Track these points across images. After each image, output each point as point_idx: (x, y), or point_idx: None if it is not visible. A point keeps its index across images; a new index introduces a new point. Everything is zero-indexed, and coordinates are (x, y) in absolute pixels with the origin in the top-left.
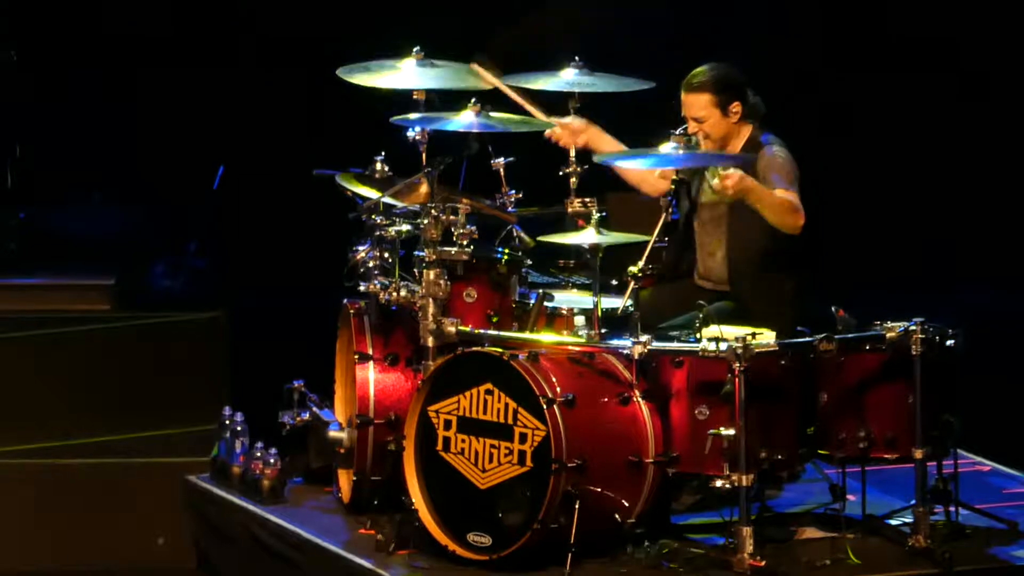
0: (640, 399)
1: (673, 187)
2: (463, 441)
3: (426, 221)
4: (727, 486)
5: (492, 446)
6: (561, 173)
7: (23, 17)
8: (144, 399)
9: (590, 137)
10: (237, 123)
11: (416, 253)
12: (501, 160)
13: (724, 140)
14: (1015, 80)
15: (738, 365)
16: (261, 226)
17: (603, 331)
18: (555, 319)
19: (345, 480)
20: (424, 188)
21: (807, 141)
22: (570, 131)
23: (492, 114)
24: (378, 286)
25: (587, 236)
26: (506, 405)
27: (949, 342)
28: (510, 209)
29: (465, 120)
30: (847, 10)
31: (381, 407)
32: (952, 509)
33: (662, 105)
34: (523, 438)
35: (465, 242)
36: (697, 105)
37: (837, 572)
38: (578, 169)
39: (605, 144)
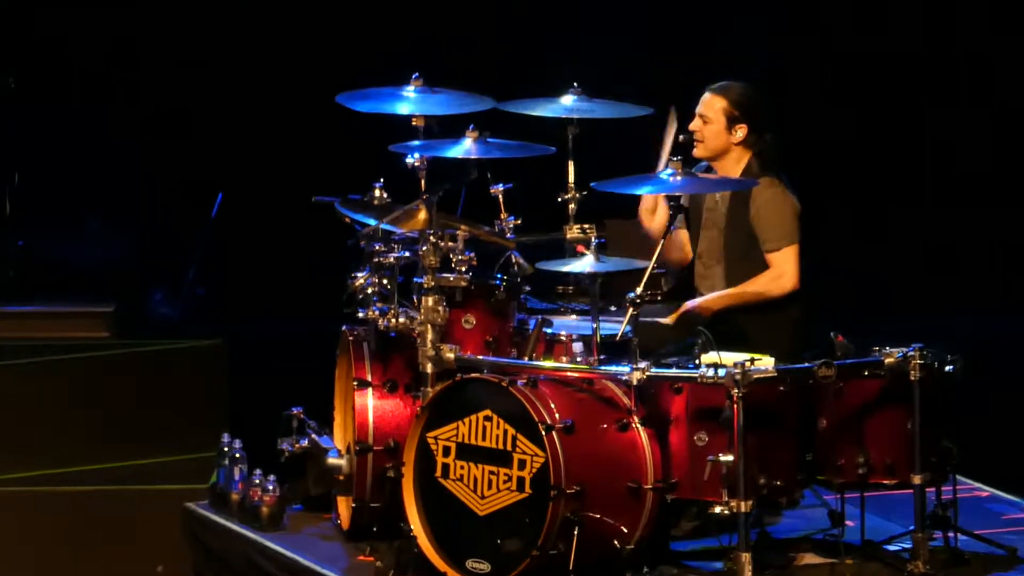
0: (639, 425)
1: (671, 213)
2: (462, 467)
3: (425, 247)
4: (726, 512)
5: (491, 472)
6: (560, 199)
7: (22, 43)
8: (142, 426)
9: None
10: (236, 150)
11: (415, 280)
12: (500, 186)
13: (717, 153)
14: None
15: (737, 391)
16: (260, 253)
17: (602, 357)
18: (554, 345)
19: (344, 507)
20: (423, 214)
21: (808, 162)
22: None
23: (491, 140)
24: (377, 312)
25: (586, 262)
26: (505, 431)
27: (948, 367)
28: (509, 235)
29: (464, 146)
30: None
31: (380, 434)
32: (951, 535)
33: (660, 131)
34: (522, 464)
35: (464, 268)
36: (711, 106)
37: None
38: (577, 195)
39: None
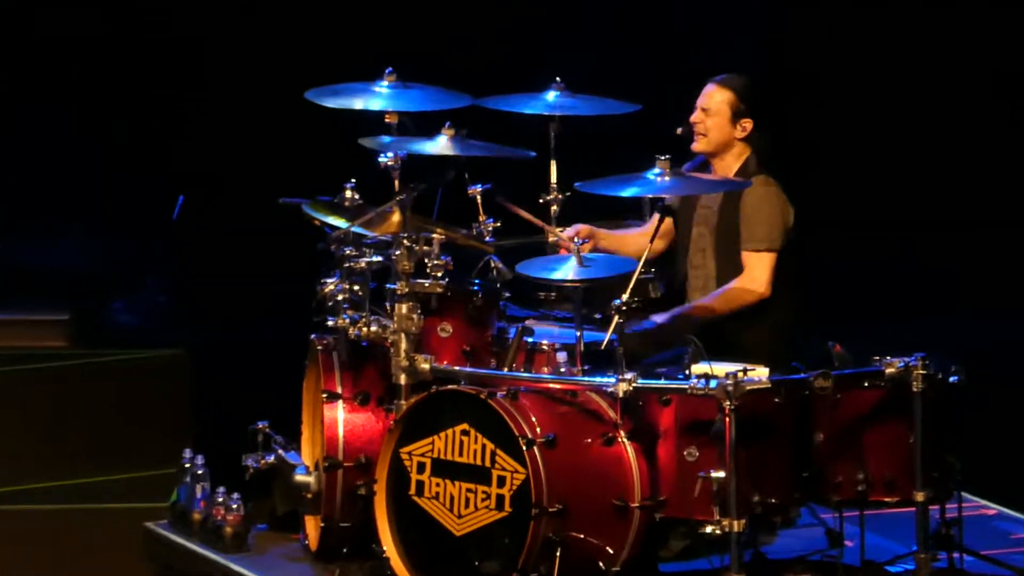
0: (625, 439)
1: (659, 218)
2: (438, 485)
3: (398, 252)
4: (718, 532)
5: (468, 490)
6: (541, 201)
7: None
8: (100, 441)
9: (596, 241)
10: (198, 149)
11: (388, 286)
12: (478, 187)
13: (719, 148)
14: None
15: (728, 403)
16: (224, 258)
17: (586, 367)
18: (535, 355)
19: (313, 527)
20: (396, 217)
21: (802, 164)
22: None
23: (468, 139)
24: (348, 320)
25: (569, 268)
26: (483, 446)
27: (952, 378)
28: (487, 239)
29: (440, 145)
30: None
31: (351, 449)
32: (956, 555)
33: (648, 129)
34: (501, 481)
35: (439, 274)
36: (714, 98)
37: None
38: (559, 197)
39: (610, 242)
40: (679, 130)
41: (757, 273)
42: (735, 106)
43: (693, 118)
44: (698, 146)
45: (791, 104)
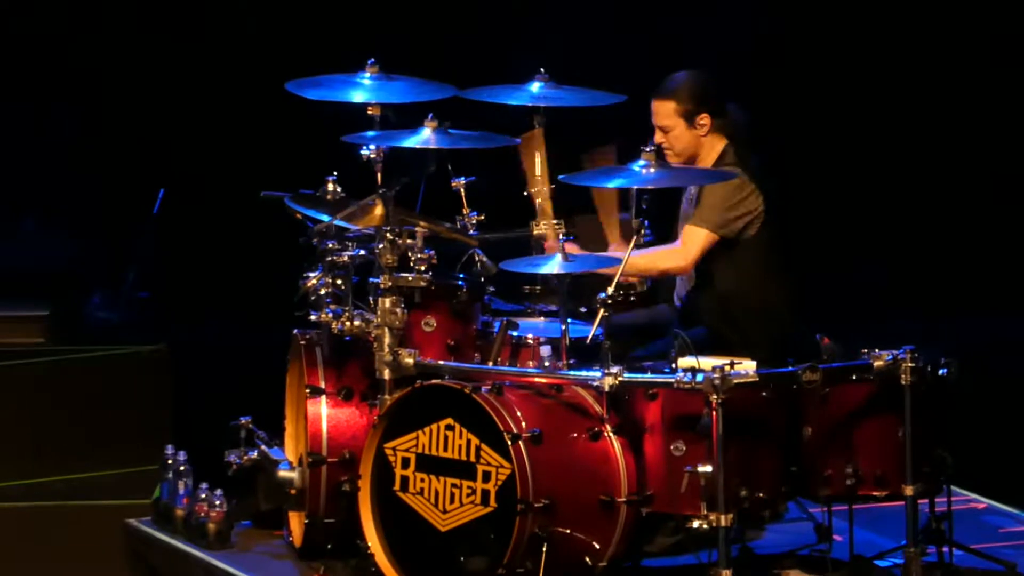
0: (612, 434)
1: (645, 207)
2: (422, 480)
3: (381, 246)
4: (705, 527)
5: (453, 485)
6: (526, 193)
7: None
8: (80, 438)
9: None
10: (179, 142)
11: (371, 280)
12: (462, 180)
13: (691, 153)
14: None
15: (716, 397)
16: (205, 252)
17: (571, 361)
18: (520, 349)
19: (296, 523)
20: (379, 210)
21: (796, 151)
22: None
23: (452, 131)
24: (330, 315)
25: (554, 261)
26: (468, 441)
27: (941, 371)
28: (471, 232)
29: (423, 137)
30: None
31: (335, 444)
32: (946, 550)
33: (635, 120)
34: (486, 477)
35: (423, 268)
36: (663, 113)
37: None
38: (544, 189)
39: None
40: (650, 148)
41: (688, 246)
42: (682, 110)
43: (656, 139)
44: (671, 161)
45: (788, 89)
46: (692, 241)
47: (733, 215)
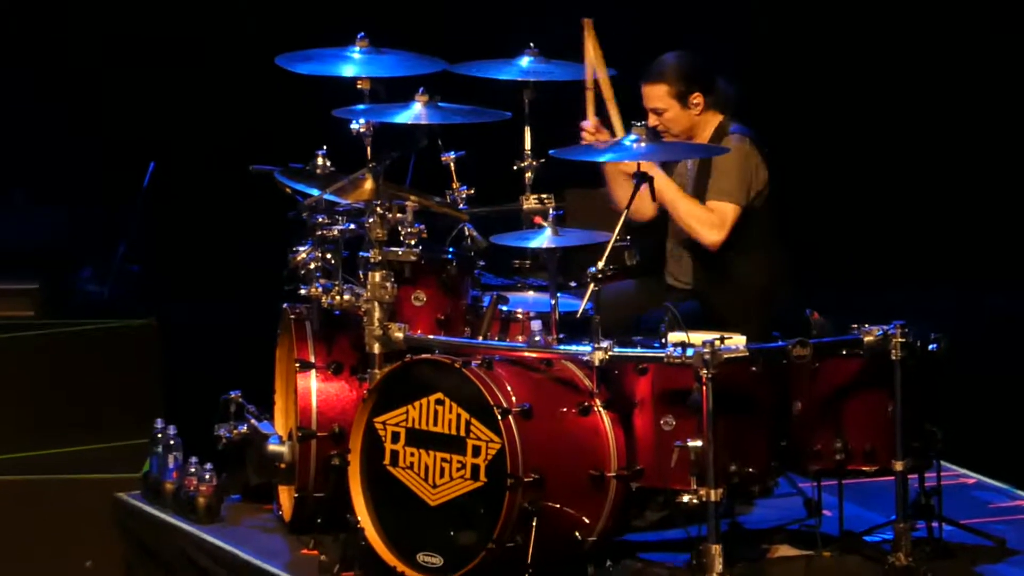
0: (601, 409)
1: (636, 185)
2: (412, 455)
3: (371, 220)
4: (695, 501)
5: (443, 460)
6: (516, 167)
7: None
8: (70, 411)
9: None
10: (168, 116)
11: (361, 254)
12: (452, 154)
13: (688, 133)
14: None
15: (706, 372)
16: (195, 226)
17: (561, 336)
18: (510, 324)
19: (286, 497)
20: (369, 184)
21: (787, 127)
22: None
23: (442, 104)
24: (320, 289)
25: (544, 236)
26: (458, 416)
27: (932, 346)
28: (461, 206)
29: (413, 111)
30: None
31: (324, 419)
32: (935, 525)
33: (627, 94)
34: (476, 451)
35: (413, 242)
36: (655, 96)
37: None
38: (534, 163)
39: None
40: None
41: (723, 221)
42: (674, 92)
43: (650, 122)
44: (669, 140)
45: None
46: (724, 216)
47: (751, 187)
